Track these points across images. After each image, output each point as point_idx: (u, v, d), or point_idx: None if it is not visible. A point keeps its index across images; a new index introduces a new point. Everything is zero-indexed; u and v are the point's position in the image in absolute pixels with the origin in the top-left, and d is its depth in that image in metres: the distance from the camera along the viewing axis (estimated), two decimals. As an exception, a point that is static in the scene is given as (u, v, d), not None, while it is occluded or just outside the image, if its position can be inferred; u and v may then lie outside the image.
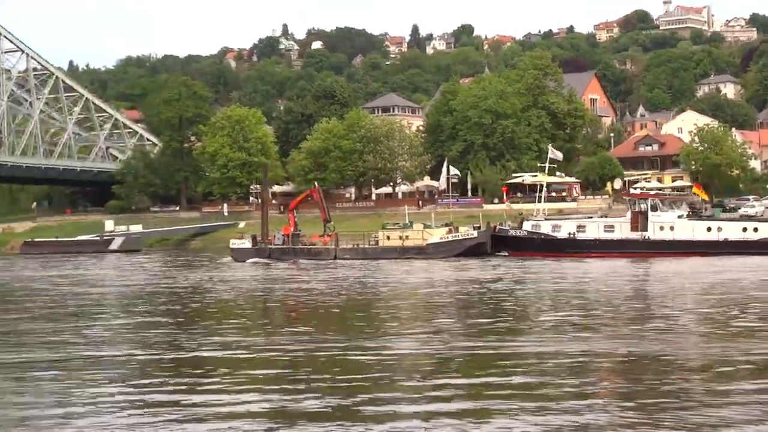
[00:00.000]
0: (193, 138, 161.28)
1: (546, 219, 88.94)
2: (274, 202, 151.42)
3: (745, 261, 69.68)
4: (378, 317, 43.18)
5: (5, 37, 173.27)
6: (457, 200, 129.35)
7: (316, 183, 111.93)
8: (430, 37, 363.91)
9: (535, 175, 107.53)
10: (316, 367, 28.89)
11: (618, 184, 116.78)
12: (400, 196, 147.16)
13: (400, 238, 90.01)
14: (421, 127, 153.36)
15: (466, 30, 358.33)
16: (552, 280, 60.08)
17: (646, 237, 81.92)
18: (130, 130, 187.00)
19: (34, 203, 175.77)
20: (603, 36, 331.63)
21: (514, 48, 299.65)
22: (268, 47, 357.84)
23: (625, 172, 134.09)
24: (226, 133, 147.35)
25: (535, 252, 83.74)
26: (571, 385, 25.47)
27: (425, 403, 23.61)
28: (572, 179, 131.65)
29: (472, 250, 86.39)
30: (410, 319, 42.80)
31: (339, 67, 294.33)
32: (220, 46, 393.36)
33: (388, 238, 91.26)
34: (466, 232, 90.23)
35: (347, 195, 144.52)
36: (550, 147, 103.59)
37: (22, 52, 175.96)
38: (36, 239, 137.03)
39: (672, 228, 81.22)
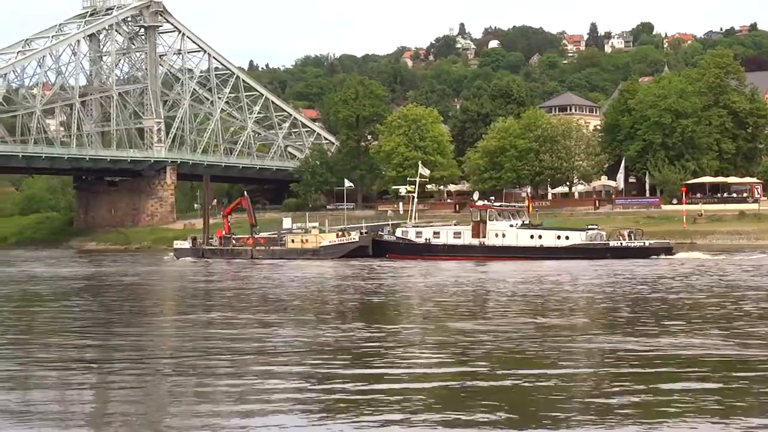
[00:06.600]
0: (369, 137, 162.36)
1: (414, 226, 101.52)
2: (449, 201, 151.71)
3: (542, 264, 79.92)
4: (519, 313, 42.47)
5: (188, 37, 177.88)
6: (637, 200, 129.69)
7: (245, 192, 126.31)
8: (608, 36, 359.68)
9: (407, 188, 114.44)
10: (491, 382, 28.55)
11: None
12: (576, 195, 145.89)
13: (301, 241, 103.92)
14: (598, 127, 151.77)
15: (645, 28, 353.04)
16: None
17: (484, 243, 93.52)
18: (308, 129, 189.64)
19: (215, 200, 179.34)
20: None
21: (694, 46, 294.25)
22: (444, 46, 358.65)
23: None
24: (402, 132, 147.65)
25: (402, 255, 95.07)
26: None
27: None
28: (754, 180, 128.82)
29: (356, 253, 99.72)
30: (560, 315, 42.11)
31: (516, 66, 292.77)
32: (397, 45, 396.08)
33: (293, 241, 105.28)
34: (352, 236, 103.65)
35: (523, 195, 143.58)
36: (419, 164, 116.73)
37: (204, 52, 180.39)
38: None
39: (504, 235, 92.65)
